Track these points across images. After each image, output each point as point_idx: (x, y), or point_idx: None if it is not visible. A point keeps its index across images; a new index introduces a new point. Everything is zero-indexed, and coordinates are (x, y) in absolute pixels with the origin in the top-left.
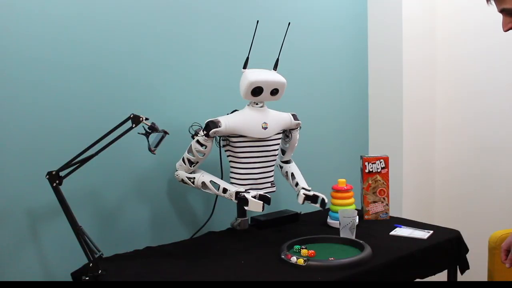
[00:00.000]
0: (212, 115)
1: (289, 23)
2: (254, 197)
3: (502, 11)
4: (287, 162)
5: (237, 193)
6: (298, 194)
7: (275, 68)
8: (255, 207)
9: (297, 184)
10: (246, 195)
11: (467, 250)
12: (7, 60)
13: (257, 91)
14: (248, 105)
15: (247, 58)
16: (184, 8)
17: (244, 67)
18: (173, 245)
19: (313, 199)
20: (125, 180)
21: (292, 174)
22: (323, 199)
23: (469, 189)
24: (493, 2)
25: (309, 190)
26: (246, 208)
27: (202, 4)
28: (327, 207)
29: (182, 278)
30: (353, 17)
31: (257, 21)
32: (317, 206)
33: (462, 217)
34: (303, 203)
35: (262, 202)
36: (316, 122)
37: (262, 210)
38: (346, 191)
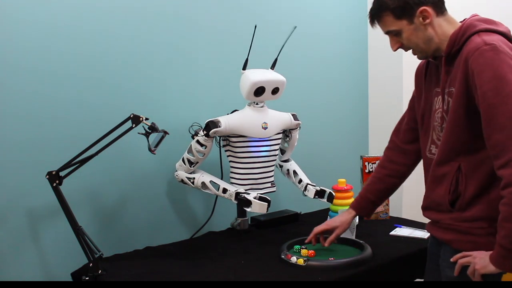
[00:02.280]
0: (212, 115)
1: (295, 27)
2: (255, 198)
3: (387, 33)
4: (286, 161)
5: (237, 193)
6: (305, 189)
7: (272, 67)
8: (259, 208)
9: (300, 181)
10: (248, 196)
11: None
12: (7, 60)
13: (259, 91)
14: (248, 105)
15: (246, 60)
16: (184, 9)
17: (244, 69)
18: (173, 245)
19: (320, 193)
20: (125, 180)
21: (294, 171)
22: (330, 193)
23: None
24: (377, 25)
25: (314, 186)
26: (248, 209)
27: (202, 5)
28: (330, 205)
29: (182, 278)
30: (353, 17)
31: (255, 26)
32: (324, 201)
33: None
34: (314, 197)
35: (266, 204)
36: (316, 122)
37: (267, 211)
38: (346, 191)
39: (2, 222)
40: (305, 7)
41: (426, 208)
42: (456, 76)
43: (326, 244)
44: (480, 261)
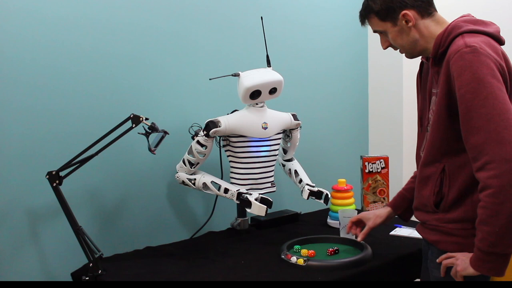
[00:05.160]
0: (212, 115)
1: (262, 18)
2: (256, 199)
3: (375, 32)
4: (289, 160)
5: (239, 194)
6: (302, 190)
7: (268, 65)
8: (258, 211)
9: (300, 181)
10: (249, 197)
11: None
12: (7, 62)
13: (255, 94)
14: (248, 105)
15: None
16: (184, 10)
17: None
18: (173, 245)
19: (317, 194)
20: (125, 180)
21: (296, 171)
22: (326, 195)
23: None
24: (367, 24)
25: (313, 186)
26: (248, 210)
27: (201, 6)
28: (327, 206)
29: (182, 278)
30: (353, 16)
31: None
32: (321, 202)
33: None
34: (308, 198)
35: (266, 207)
36: (316, 122)
37: (265, 215)
38: (346, 191)
39: (2, 222)
40: (304, 6)
41: (415, 208)
42: (440, 78)
43: (359, 239)
44: (462, 263)
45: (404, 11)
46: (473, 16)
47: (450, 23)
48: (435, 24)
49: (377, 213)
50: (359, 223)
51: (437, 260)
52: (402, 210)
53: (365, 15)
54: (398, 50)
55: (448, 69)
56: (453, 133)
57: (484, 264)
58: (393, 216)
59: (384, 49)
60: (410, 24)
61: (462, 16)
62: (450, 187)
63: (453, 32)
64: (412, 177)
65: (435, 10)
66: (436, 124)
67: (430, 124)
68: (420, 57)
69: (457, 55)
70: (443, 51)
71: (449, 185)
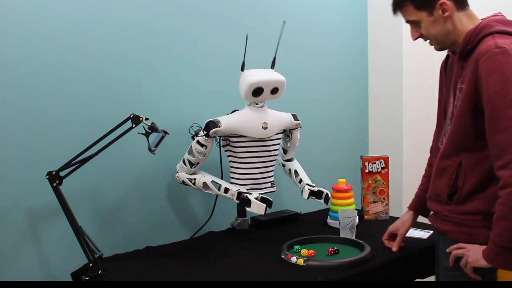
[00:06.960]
0: (212, 115)
1: (284, 22)
2: (256, 198)
3: (407, 22)
4: (289, 160)
5: (239, 193)
6: (302, 190)
7: (272, 66)
8: (257, 209)
9: (300, 181)
10: (249, 196)
11: None
12: (7, 62)
13: (257, 91)
14: (248, 105)
15: (243, 63)
16: (183, 10)
17: (242, 69)
18: (173, 245)
19: (317, 194)
20: (125, 180)
21: (296, 171)
22: (327, 194)
23: None
24: (399, 13)
25: (313, 186)
26: (248, 209)
27: (201, 6)
28: (327, 206)
29: (182, 278)
30: (353, 15)
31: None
32: (321, 202)
33: None
34: (308, 198)
35: (265, 205)
36: (316, 122)
37: (264, 213)
38: (346, 191)
39: (2, 222)
40: (304, 6)
41: (429, 198)
42: (467, 75)
43: (394, 249)
44: (473, 254)
45: (442, 0)
46: (504, 16)
47: (481, 21)
48: (467, 19)
49: (403, 219)
50: (392, 236)
51: (447, 250)
52: (423, 209)
53: (400, 3)
54: (428, 41)
55: (476, 68)
56: (474, 130)
57: (497, 258)
58: (417, 217)
59: (414, 39)
60: (446, 14)
61: (493, 15)
62: (465, 181)
63: (483, 31)
64: (424, 176)
65: (468, 5)
66: (459, 120)
67: (452, 119)
68: (446, 50)
69: (487, 55)
70: (470, 48)
71: (464, 179)
